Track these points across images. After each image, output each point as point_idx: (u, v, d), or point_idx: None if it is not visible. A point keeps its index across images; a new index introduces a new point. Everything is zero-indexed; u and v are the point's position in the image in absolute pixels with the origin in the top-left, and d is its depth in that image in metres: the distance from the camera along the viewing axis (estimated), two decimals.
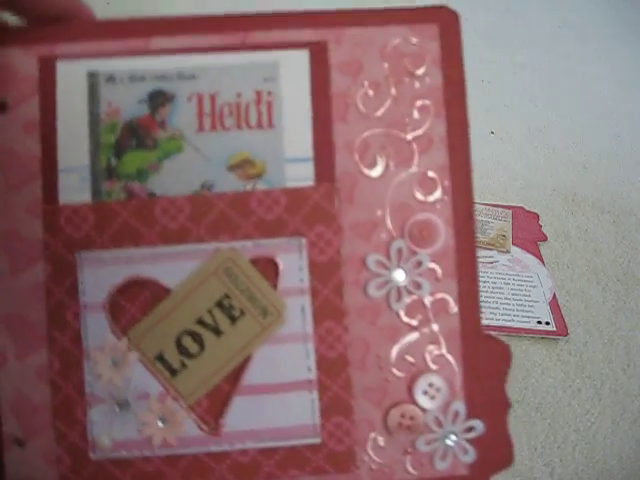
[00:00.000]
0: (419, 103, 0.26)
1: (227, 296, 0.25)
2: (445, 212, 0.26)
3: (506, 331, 0.52)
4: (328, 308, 0.25)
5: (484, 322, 0.52)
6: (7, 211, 0.25)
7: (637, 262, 0.61)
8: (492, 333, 0.27)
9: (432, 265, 0.26)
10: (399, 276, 0.25)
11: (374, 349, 0.26)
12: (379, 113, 0.26)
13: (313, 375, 0.25)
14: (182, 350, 0.25)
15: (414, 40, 0.26)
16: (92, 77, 0.25)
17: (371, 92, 0.26)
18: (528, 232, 0.63)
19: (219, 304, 0.25)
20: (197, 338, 0.25)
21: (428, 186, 0.26)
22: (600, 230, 0.65)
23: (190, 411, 0.25)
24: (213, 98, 0.25)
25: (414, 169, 0.26)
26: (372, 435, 0.26)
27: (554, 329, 0.52)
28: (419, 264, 0.26)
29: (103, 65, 0.25)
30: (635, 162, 0.76)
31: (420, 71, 0.26)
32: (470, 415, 0.26)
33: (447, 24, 0.26)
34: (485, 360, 0.26)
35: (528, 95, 0.87)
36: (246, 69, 0.25)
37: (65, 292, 0.25)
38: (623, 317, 0.55)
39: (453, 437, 0.26)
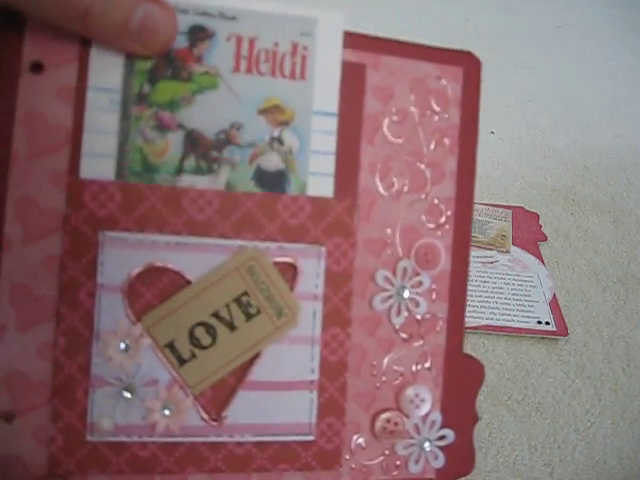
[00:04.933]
0: (437, 137, 0.28)
1: (246, 293, 0.26)
2: (446, 239, 0.28)
3: (506, 331, 0.52)
4: (336, 315, 0.27)
5: (484, 322, 0.52)
6: (26, 178, 0.24)
7: (637, 262, 0.61)
8: (470, 354, 0.29)
9: (432, 286, 0.28)
10: (404, 293, 0.27)
11: (370, 358, 0.27)
12: (401, 140, 0.28)
13: (315, 376, 0.27)
14: (194, 341, 0.25)
15: (441, 78, 0.28)
16: None
17: (396, 119, 0.28)
18: (528, 232, 0.63)
19: (237, 300, 0.26)
20: (211, 330, 0.26)
21: (434, 213, 0.28)
22: (600, 230, 0.65)
23: (195, 401, 0.26)
24: (252, 42, 0.25)
25: (424, 196, 0.28)
26: (356, 436, 0.27)
27: (554, 329, 0.52)
28: (420, 284, 0.28)
29: None
30: (635, 162, 0.76)
31: (441, 108, 0.28)
32: (444, 425, 0.28)
33: (471, 69, 0.28)
34: (462, 376, 0.29)
35: (528, 95, 0.87)
36: (286, 19, 0.26)
37: (81, 270, 0.24)
38: (623, 317, 0.55)
39: (428, 444, 0.28)
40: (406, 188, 0.28)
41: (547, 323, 0.53)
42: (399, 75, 0.28)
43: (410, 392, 0.28)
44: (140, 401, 0.25)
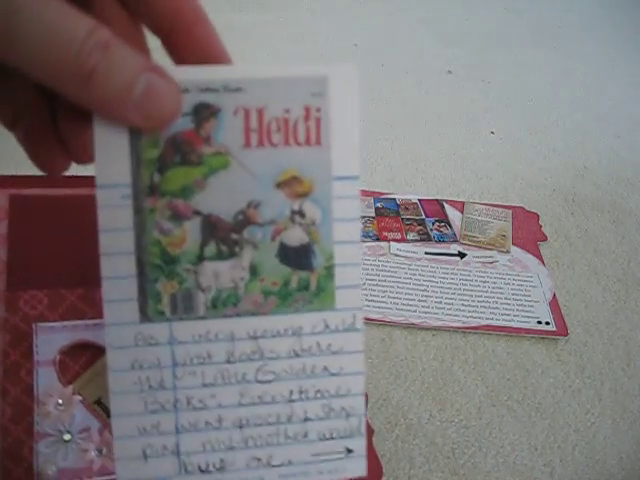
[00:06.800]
0: None
1: None
2: None
3: (506, 331, 0.52)
4: None
5: (484, 322, 0.52)
6: None
7: (637, 262, 0.61)
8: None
9: None
10: None
11: None
12: None
13: None
14: None
15: None
16: None
17: None
18: (528, 232, 0.63)
19: None
20: None
21: None
22: (600, 230, 0.65)
23: None
24: (260, 113, 0.24)
25: None
26: None
27: (554, 329, 0.52)
28: None
29: None
30: (635, 162, 0.76)
31: None
32: None
33: None
34: None
35: (528, 95, 0.87)
36: (294, 82, 0.24)
37: (20, 354, 0.32)
38: (623, 317, 0.55)
39: None
40: None
41: (547, 323, 0.53)
42: None
43: None
44: (77, 445, 0.31)
